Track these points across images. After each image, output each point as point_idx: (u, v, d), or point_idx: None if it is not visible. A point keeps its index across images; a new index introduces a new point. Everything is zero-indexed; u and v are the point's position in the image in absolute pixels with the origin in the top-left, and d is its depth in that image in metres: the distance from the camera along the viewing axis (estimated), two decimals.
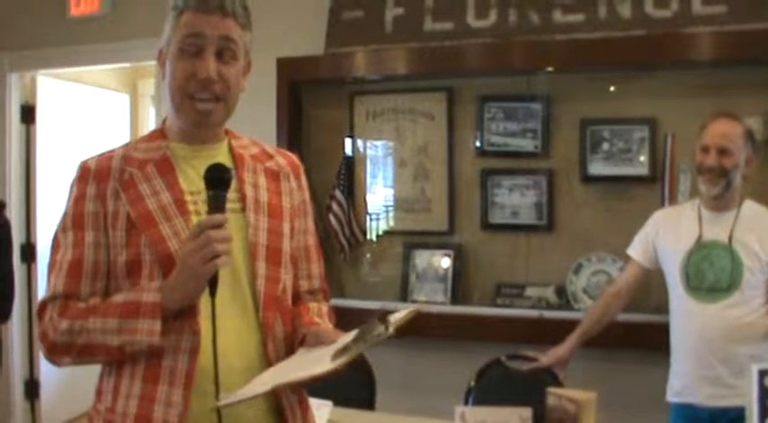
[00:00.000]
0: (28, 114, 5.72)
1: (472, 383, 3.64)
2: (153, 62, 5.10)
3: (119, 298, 1.86)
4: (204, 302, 1.84)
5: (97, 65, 5.70)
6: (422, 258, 4.58)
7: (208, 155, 2.00)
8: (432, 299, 4.47)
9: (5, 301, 3.69)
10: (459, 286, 4.50)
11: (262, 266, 1.97)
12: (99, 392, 1.97)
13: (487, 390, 3.61)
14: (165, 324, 1.82)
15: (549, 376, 3.46)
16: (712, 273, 3.22)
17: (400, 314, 1.85)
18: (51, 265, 1.95)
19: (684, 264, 3.29)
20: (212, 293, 1.82)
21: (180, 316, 1.84)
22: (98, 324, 1.83)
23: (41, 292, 5.59)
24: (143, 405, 1.84)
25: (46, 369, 5.73)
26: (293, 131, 4.67)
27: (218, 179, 1.84)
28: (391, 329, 1.77)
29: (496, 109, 4.42)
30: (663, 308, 3.53)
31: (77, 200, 1.95)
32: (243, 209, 1.98)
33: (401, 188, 4.69)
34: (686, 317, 3.29)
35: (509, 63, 4.27)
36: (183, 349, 1.85)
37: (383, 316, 1.79)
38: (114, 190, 1.93)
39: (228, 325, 1.88)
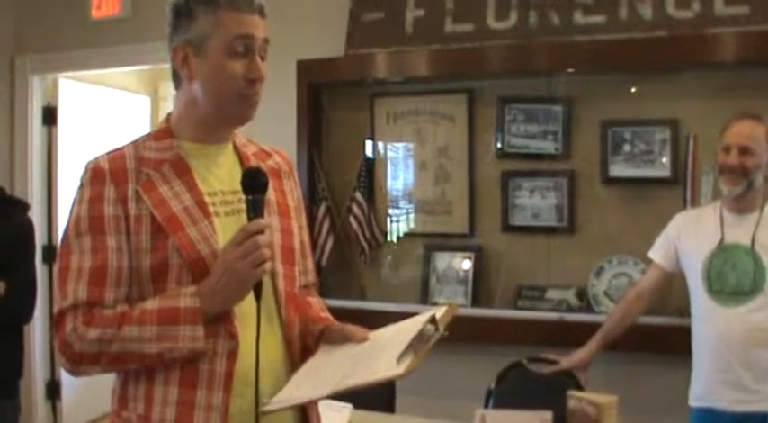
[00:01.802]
0: (50, 116, 5.75)
1: (492, 386, 3.63)
2: None
3: (152, 304, 1.83)
4: (241, 305, 1.87)
5: (118, 67, 5.73)
6: (442, 260, 4.57)
7: (217, 154, 2.01)
8: (452, 301, 4.45)
9: (28, 303, 3.71)
10: (480, 288, 4.49)
11: (279, 266, 1.99)
12: (123, 399, 1.92)
13: (508, 393, 3.60)
14: (205, 328, 1.82)
15: (570, 379, 3.46)
16: (734, 276, 3.20)
17: (441, 312, 1.90)
18: (63, 272, 1.89)
19: (706, 267, 3.27)
20: (258, 297, 1.84)
21: (215, 320, 1.84)
22: (134, 332, 1.80)
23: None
24: (182, 411, 1.83)
25: None
26: (313, 134, 4.68)
27: (256, 184, 1.86)
28: (441, 328, 1.82)
29: (517, 111, 4.40)
30: (685, 311, 3.51)
31: (93, 202, 1.89)
32: None
33: (421, 190, 4.68)
34: (708, 320, 3.27)
35: (529, 65, 4.26)
36: (220, 353, 1.86)
37: (431, 317, 1.84)
38: (135, 192, 1.89)
39: (253, 326, 1.87)
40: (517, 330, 4.17)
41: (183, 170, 1.95)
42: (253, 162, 2.05)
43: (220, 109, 1.95)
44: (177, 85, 2.03)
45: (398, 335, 1.89)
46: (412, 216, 4.72)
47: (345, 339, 2.00)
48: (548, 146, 4.36)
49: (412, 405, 3.65)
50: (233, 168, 2.01)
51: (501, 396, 3.59)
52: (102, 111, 6.24)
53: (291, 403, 1.79)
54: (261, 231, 1.80)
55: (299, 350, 2.05)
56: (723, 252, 3.25)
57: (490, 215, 4.52)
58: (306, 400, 1.80)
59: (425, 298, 4.55)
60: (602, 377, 3.60)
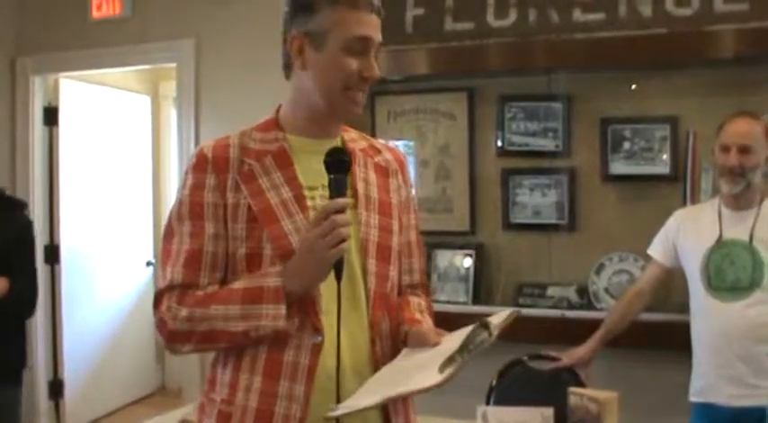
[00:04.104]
0: (51, 116, 5.77)
1: (494, 383, 3.64)
2: (174, 64, 5.20)
3: (239, 284, 1.88)
4: (325, 298, 1.89)
5: (119, 67, 5.74)
6: (443, 258, 4.57)
7: (322, 149, 1.97)
8: (453, 299, 4.46)
9: (31, 297, 3.81)
10: (481, 286, 4.50)
11: (372, 263, 2.00)
12: (212, 382, 2.00)
13: (509, 390, 3.60)
14: (290, 309, 1.84)
15: (571, 376, 3.46)
16: (733, 272, 3.21)
17: (500, 318, 1.87)
18: (166, 254, 1.95)
19: (705, 263, 3.28)
20: (338, 278, 1.85)
21: (300, 312, 1.87)
22: (220, 311, 1.86)
23: (65, 293, 5.69)
24: (264, 400, 1.88)
25: (70, 369, 5.77)
26: None
27: (338, 162, 1.87)
28: (495, 334, 1.79)
29: (517, 108, 4.41)
30: (685, 307, 3.51)
31: (195, 189, 1.95)
32: (354, 205, 1.99)
33: (422, 188, 4.68)
34: (707, 316, 3.28)
35: (529, 62, 4.27)
36: (305, 346, 1.88)
37: (485, 322, 1.81)
38: (234, 182, 1.94)
39: (343, 321, 1.88)
40: (518, 328, 4.13)
41: (285, 162, 1.98)
42: (359, 157, 2.07)
43: (329, 102, 1.97)
44: (288, 75, 2.05)
45: (455, 340, 1.86)
46: None
47: (421, 343, 1.98)
48: (548, 143, 4.37)
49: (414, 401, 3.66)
50: None
51: (502, 393, 3.60)
52: (103, 111, 6.25)
53: (355, 409, 1.77)
54: (341, 210, 1.81)
55: (389, 351, 2.03)
56: (721, 248, 3.26)
57: (491, 213, 4.53)
58: (361, 407, 1.78)
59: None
60: (603, 374, 3.61)
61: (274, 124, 2.05)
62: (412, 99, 4.69)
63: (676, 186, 4.07)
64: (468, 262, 4.50)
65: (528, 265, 4.43)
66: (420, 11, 4.49)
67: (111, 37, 5.37)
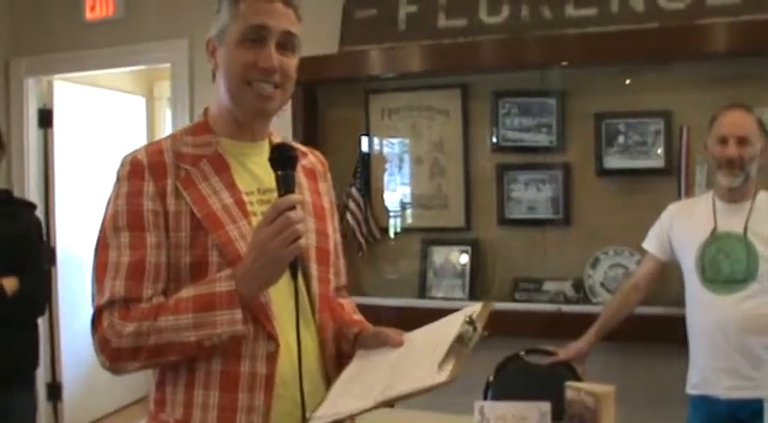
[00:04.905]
0: (45, 118, 5.77)
1: (491, 378, 3.65)
2: (168, 65, 5.20)
3: (188, 292, 1.78)
4: (276, 305, 1.84)
5: (113, 68, 5.72)
6: (439, 255, 4.58)
7: (252, 152, 1.97)
8: (450, 295, 4.48)
9: (42, 297, 3.82)
10: (477, 282, 4.51)
11: (314, 267, 1.96)
12: (160, 402, 1.90)
13: (506, 385, 3.61)
14: (243, 314, 1.76)
15: (568, 370, 3.47)
16: (728, 264, 3.22)
17: (476, 310, 1.86)
18: (101, 268, 1.83)
19: (700, 256, 3.29)
20: (294, 276, 1.80)
21: (252, 320, 1.81)
22: (170, 322, 1.75)
23: (62, 295, 5.68)
24: (224, 415, 1.81)
25: (68, 372, 5.77)
26: (309, 131, 4.69)
27: (285, 159, 1.81)
28: (479, 328, 1.76)
29: (511, 104, 4.42)
30: (681, 300, 3.52)
31: (131, 197, 1.84)
32: None
33: (418, 185, 4.70)
34: (703, 309, 3.29)
35: (523, 58, 4.27)
36: (260, 354, 1.82)
37: (469, 318, 1.79)
38: (174, 188, 1.85)
39: (289, 327, 1.85)
40: (515, 323, 4.18)
41: (221, 167, 1.91)
42: None
43: (234, 100, 1.91)
44: (214, 79, 2.00)
45: (434, 337, 1.85)
46: (408, 211, 4.74)
47: (381, 343, 1.96)
48: (542, 139, 4.38)
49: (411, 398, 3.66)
50: (268, 167, 1.91)
51: (500, 388, 3.61)
52: (98, 112, 6.25)
53: (338, 417, 1.74)
54: (292, 207, 1.73)
55: (334, 354, 2.02)
56: (716, 241, 3.27)
57: (486, 209, 4.53)
58: (353, 413, 1.74)
59: (423, 292, 4.56)
60: (599, 367, 3.62)
61: (206, 127, 1.97)
62: (406, 96, 4.69)
63: (670, 180, 4.08)
64: (463, 258, 4.51)
65: (524, 260, 4.44)
66: (413, 8, 4.49)
67: (105, 38, 5.37)
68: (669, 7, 4.00)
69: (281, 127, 4.54)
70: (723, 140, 3.26)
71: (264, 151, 1.97)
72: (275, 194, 1.81)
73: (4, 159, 4.00)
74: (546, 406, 2.73)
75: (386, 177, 4.78)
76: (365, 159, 4.75)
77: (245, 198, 1.90)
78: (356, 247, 4.68)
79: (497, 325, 4.39)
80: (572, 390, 2.84)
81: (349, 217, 4.64)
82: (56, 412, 5.80)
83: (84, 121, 6.05)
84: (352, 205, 4.64)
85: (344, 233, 4.65)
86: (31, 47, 5.62)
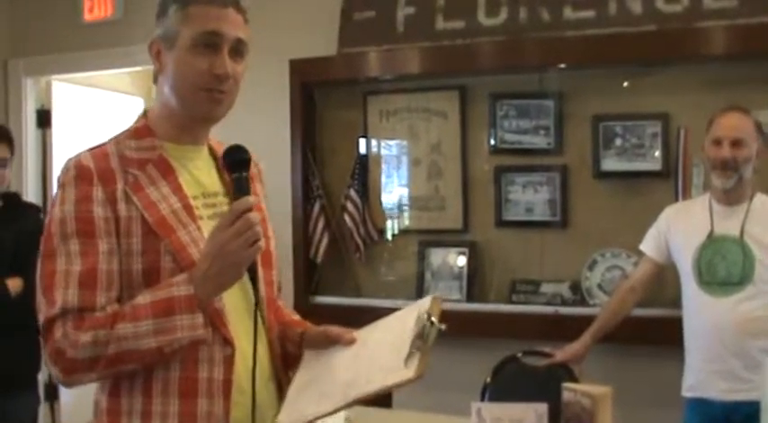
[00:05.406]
0: (44, 119, 5.77)
1: (488, 380, 3.66)
2: None
3: (145, 298, 1.73)
4: (227, 308, 1.83)
5: (111, 69, 5.73)
6: (437, 256, 4.59)
7: (195, 156, 1.96)
8: (447, 296, 4.46)
9: None
10: (475, 284, 4.51)
11: (260, 270, 1.92)
12: (114, 412, 1.84)
13: (504, 386, 3.62)
14: (204, 317, 1.75)
15: (565, 372, 3.48)
16: (724, 267, 3.23)
17: (427, 305, 1.83)
18: (48, 277, 1.78)
19: (696, 258, 3.30)
20: (254, 279, 1.80)
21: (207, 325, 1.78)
22: (129, 329, 1.70)
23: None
24: (184, 422, 1.78)
25: None
26: (307, 132, 4.69)
27: (239, 161, 1.81)
28: (436, 322, 1.75)
29: (509, 106, 4.42)
30: (677, 302, 3.53)
31: (80, 203, 1.78)
32: None
33: (415, 187, 4.70)
34: (699, 311, 3.30)
35: (521, 60, 4.28)
36: (217, 359, 1.81)
37: (427, 314, 1.77)
38: (124, 193, 1.80)
39: (240, 330, 1.85)
40: (512, 324, 4.19)
41: (167, 171, 1.88)
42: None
43: (185, 105, 1.88)
44: (155, 81, 1.97)
45: (389, 334, 1.84)
46: (406, 213, 4.73)
47: (330, 342, 1.96)
48: (540, 141, 4.38)
49: (409, 399, 3.66)
50: (211, 171, 1.94)
51: (497, 389, 3.62)
52: (96, 112, 6.24)
53: (304, 421, 1.74)
54: (250, 209, 1.71)
55: (280, 354, 2.02)
56: (713, 243, 3.28)
57: (484, 210, 4.54)
58: (319, 415, 1.73)
59: (420, 294, 4.54)
60: (596, 369, 3.62)
61: (147, 130, 1.93)
62: (404, 98, 4.70)
63: (668, 182, 4.09)
64: (461, 260, 4.51)
65: (521, 262, 4.44)
66: (411, 10, 4.50)
67: (103, 39, 5.38)
68: (667, 10, 4.01)
69: (280, 128, 4.58)
70: (717, 142, 3.27)
71: (205, 155, 1.99)
72: (219, 199, 1.84)
73: (13, 160, 4.00)
74: (543, 407, 2.74)
75: (383, 179, 4.78)
76: (363, 161, 4.75)
77: (192, 202, 1.88)
78: (354, 249, 4.68)
79: (495, 327, 4.44)
80: (569, 391, 2.85)
81: (347, 218, 4.64)
82: (53, 413, 5.79)
83: (83, 122, 6.04)
84: (349, 207, 4.65)
85: (342, 234, 4.67)
86: (29, 47, 5.63)
